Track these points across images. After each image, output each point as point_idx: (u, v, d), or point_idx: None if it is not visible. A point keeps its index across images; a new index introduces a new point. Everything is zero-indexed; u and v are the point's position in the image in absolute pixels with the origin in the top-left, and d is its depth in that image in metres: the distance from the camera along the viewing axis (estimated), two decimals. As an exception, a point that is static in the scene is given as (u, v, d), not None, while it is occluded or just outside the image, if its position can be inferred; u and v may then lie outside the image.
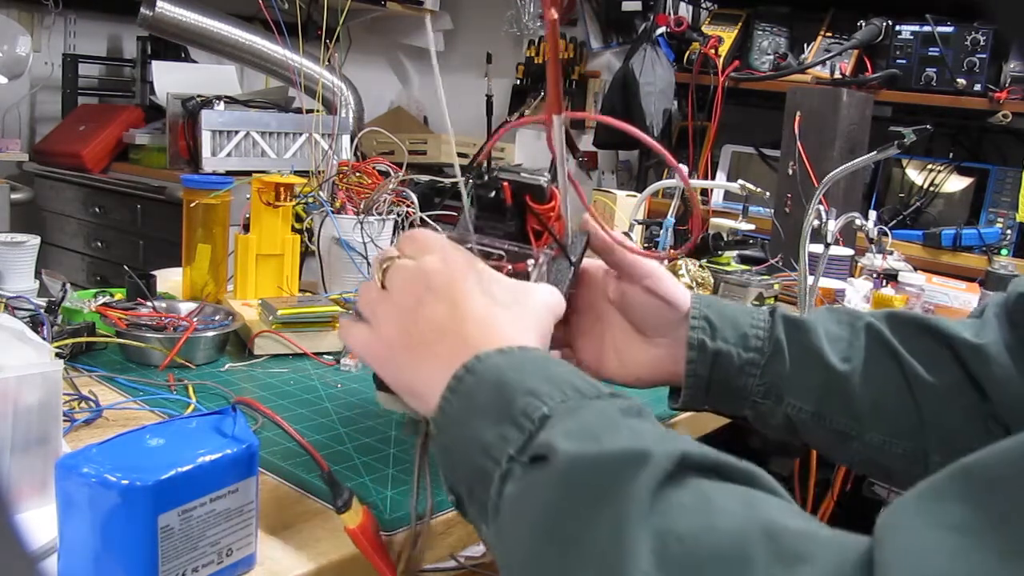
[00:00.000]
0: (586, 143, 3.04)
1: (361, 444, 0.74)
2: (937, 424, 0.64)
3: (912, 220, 2.45)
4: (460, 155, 2.98)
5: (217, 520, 0.52)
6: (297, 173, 1.19)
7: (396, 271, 0.56)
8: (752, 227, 1.64)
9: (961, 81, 2.28)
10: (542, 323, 0.57)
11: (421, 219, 1.20)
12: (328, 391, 0.88)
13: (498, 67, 3.29)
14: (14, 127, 2.83)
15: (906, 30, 2.37)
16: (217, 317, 1.01)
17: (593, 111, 3.39)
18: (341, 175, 1.23)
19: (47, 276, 1.05)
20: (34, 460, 0.59)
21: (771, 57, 2.67)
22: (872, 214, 1.76)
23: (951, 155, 2.48)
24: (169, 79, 2.66)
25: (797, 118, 1.87)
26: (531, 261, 0.64)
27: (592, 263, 0.72)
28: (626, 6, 3.12)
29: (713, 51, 2.69)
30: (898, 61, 2.39)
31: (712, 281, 1.42)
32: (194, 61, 2.94)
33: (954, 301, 1.61)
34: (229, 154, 2.42)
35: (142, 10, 2.51)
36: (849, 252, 1.70)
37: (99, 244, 2.70)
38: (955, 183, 2.47)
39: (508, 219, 0.67)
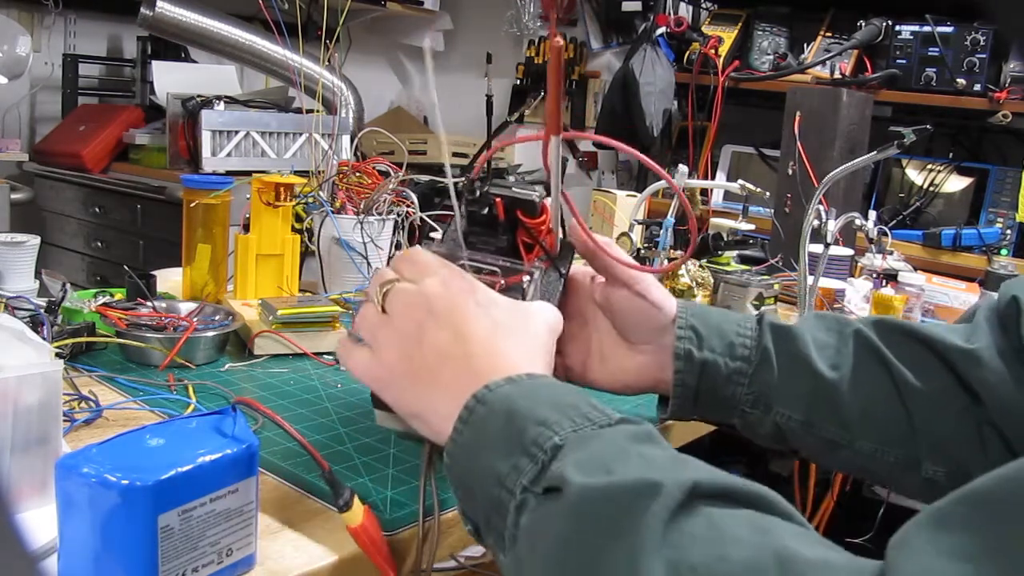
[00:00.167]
0: (586, 143, 3.04)
1: (361, 444, 0.74)
2: (928, 431, 0.64)
3: (912, 220, 2.45)
4: (460, 155, 2.97)
5: (217, 520, 0.52)
6: (297, 173, 1.19)
7: (396, 295, 0.56)
8: (752, 227, 1.64)
9: (961, 81, 2.28)
10: (546, 346, 0.57)
11: (421, 219, 1.21)
12: (328, 391, 0.88)
13: (498, 67, 3.29)
14: (14, 127, 2.83)
15: (906, 30, 2.37)
16: (217, 317, 1.01)
17: (593, 111, 3.39)
18: (341, 175, 1.23)
19: (47, 276, 1.05)
20: (34, 460, 0.59)
21: (771, 57, 2.67)
22: (872, 214, 1.76)
23: (951, 155, 2.48)
24: (169, 79, 2.66)
25: (797, 118, 1.87)
26: (526, 277, 0.64)
27: (579, 269, 0.72)
28: (626, 6, 3.12)
29: (713, 51, 2.69)
30: (898, 61, 2.39)
31: (712, 281, 1.42)
32: (194, 61, 2.94)
33: (954, 301, 1.61)
34: (229, 154, 2.42)
35: (142, 10, 2.50)
36: (849, 252, 1.70)
37: (99, 244, 2.70)
38: (955, 183, 2.47)
39: (500, 234, 0.67)
